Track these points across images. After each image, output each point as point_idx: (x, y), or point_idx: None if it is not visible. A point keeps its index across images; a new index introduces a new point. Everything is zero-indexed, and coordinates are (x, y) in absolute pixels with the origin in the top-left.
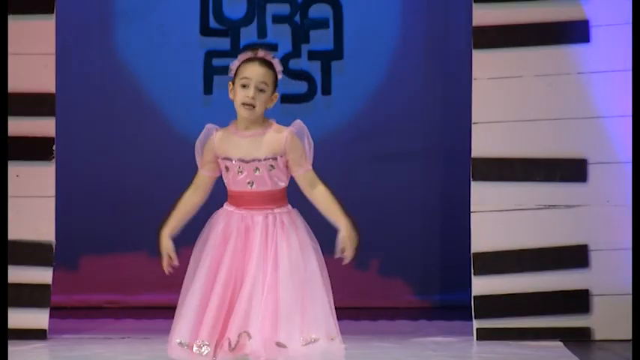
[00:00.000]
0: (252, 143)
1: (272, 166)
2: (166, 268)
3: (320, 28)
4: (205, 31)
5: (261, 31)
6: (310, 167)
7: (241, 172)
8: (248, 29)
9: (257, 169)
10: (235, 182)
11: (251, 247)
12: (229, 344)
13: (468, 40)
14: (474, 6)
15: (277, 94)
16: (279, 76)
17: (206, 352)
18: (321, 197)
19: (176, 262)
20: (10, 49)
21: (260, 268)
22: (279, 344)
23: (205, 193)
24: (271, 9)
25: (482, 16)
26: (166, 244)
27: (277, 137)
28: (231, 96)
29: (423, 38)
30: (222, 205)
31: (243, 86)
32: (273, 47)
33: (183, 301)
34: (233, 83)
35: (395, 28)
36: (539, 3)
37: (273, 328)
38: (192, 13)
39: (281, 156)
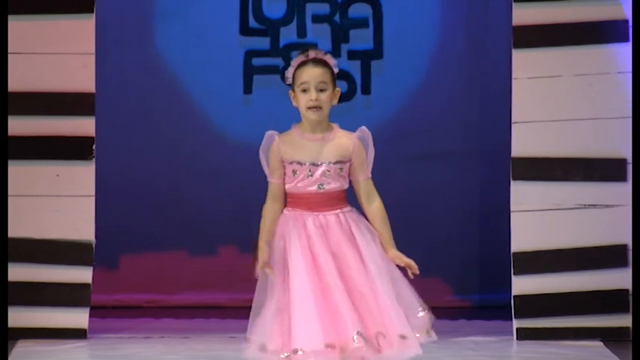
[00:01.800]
0: (322, 147)
1: (341, 169)
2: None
3: (360, 27)
4: (245, 30)
5: (301, 31)
6: (370, 175)
7: (311, 175)
8: (288, 29)
9: (327, 172)
10: (304, 185)
11: (336, 246)
12: (367, 344)
13: (508, 39)
14: (514, 5)
15: (339, 89)
16: (336, 70)
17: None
18: (379, 214)
19: (271, 273)
20: (50, 48)
21: (358, 263)
22: (402, 336)
23: (283, 200)
24: (311, 8)
25: (522, 15)
26: (263, 256)
27: (346, 142)
28: (294, 104)
29: (462, 38)
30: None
31: (304, 91)
32: (312, 47)
33: (290, 307)
34: (293, 91)
35: (434, 28)
36: (578, 2)
37: (394, 324)
38: (231, 12)
39: (349, 160)
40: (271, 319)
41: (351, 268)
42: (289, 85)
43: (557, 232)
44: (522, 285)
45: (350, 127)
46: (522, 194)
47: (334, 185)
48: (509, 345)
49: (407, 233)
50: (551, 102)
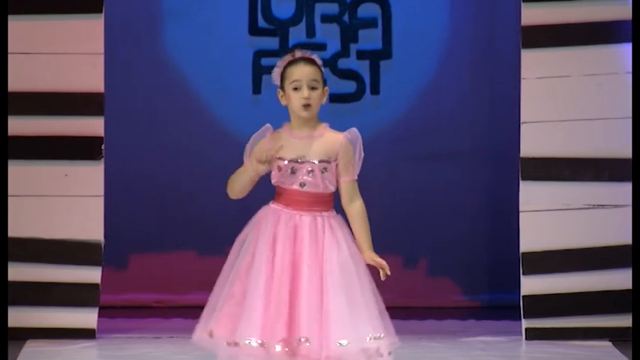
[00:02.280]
0: (307, 145)
1: (325, 168)
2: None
3: (369, 27)
4: (254, 30)
5: (310, 31)
6: (355, 178)
7: (294, 172)
8: (297, 29)
9: (311, 170)
10: (286, 182)
11: (299, 249)
12: (288, 348)
13: (517, 39)
14: (523, 5)
15: (327, 88)
16: (322, 70)
17: (278, 350)
18: (358, 215)
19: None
20: (59, 48)
21: (312, 271)
22: (335, 347)
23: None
24: (320, 8)
25: (531, 15)
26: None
27: (333, 141)
28: (283, 102)
29: (471, 38)
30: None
31: (296, 89)
32: (321, 47)
33: (240, 298)
34: (282, 89)
35: (443, 28)
36: (588, 2)
37: (329, 332)
38: (240, 12)
39: (334, 160)
40: (222, 306)
41: (304, 275)
42: (277, 84)
43: (566, 232)
44: (531, 285)
45: (359, 126)
46: (531, 194)
47: (318, 186)
48: (518, 345)
49: (415, 233)
50: (560, 102)
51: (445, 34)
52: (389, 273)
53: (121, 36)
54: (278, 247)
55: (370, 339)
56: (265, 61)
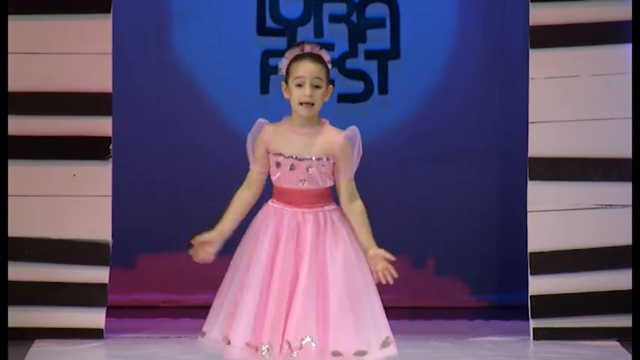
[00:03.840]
0: (307, 142)
1: (323, 165)
2: (197, 256)
3: (377, 27)
4: (262, 30)
5: (318, 31)
6: (352, 176)
7: (293, 169)
8: (305, 29)
9: (310, 167)
10: (286, 179)
11: (303, 247)
12: (290, 347)
13: (525, 39)
14: (531, 5)
15: (332, 86)
16: (329, 67)
17: (270, 354)
18: (361, 214)
19: (209, 255)
20: (68, 48)
21: (313, 270)
22: (335, 353)
23: (259, 190)
24: (328, 8)
25: (540, 15)
26: (207, 236)
27: (332, 139)
28: (286, 96)
29: (479, 38)
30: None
31: (299, 85)
32: (329, 47)
33: (236, 299)
34: (286, 83)
35: (451, 28)
36: (596, 3)
37: (329, 335)
38: (248, 12)
39: (332, 158)
40: (228, 309)
41: (305, 274)
42: (282, 76)
43: (575, 232)
44: (539, 285)
45: (367, 127)
46: (539, 194)
47: (317, 182)
48: (526, 345)
49: (423, 233)
50: (569, 102)
51: (453, 34)
52: (392, 258)
53: (129, 36)
54: (281, 247)
55: (374, 345)
56: (273, 61)
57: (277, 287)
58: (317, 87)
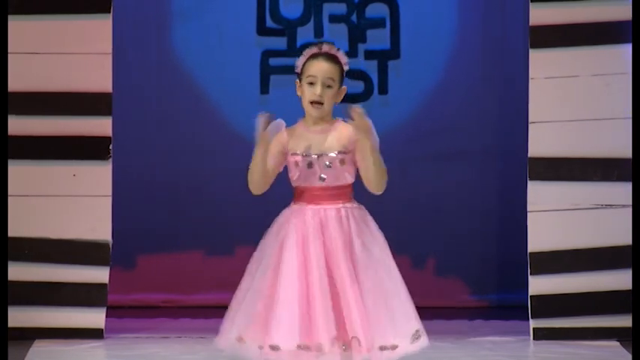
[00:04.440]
0: (323, 138)
1: (343, 160)
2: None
3: (377, 27)
4: (262, 30)
5: (318, 31)
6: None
7: (311, 167)
8: (305, 29)
9: (329, 163)
10: (305, 178)
11: (330, 243)
12: (343, 347)
13: (525, 39)
14: (531, 5)
15: (345, 88)
16: (346, 68)
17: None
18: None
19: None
20: (68, 48)
21: (349, 268)
22: (382, 347)
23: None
24: (328, 8)
25: (540, 15)
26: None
27: (347, 132)
28: (298, 93)
29: (479, 38)
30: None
31: (310, 84)
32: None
33: (269, 302)
34: (300, 81)
35: (452, 28)
36: (596, 2)
37: (372, 331)
38: (248, 12)
39: (351, 150)
40: (252, 310)
41: (341, 271)
42: (297, 73)
43: (575, 232)
44: (539, 285)
45: None
46: (539, 194)
47: (337, 178)
48: (526, 345)
49: (424, 233)
50: (569, 102)
51: (453, 34)
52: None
53: (129, 36)
54: (310, 250)
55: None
56: (273, 61)
57: (318, 287)
58: (328, 87)
